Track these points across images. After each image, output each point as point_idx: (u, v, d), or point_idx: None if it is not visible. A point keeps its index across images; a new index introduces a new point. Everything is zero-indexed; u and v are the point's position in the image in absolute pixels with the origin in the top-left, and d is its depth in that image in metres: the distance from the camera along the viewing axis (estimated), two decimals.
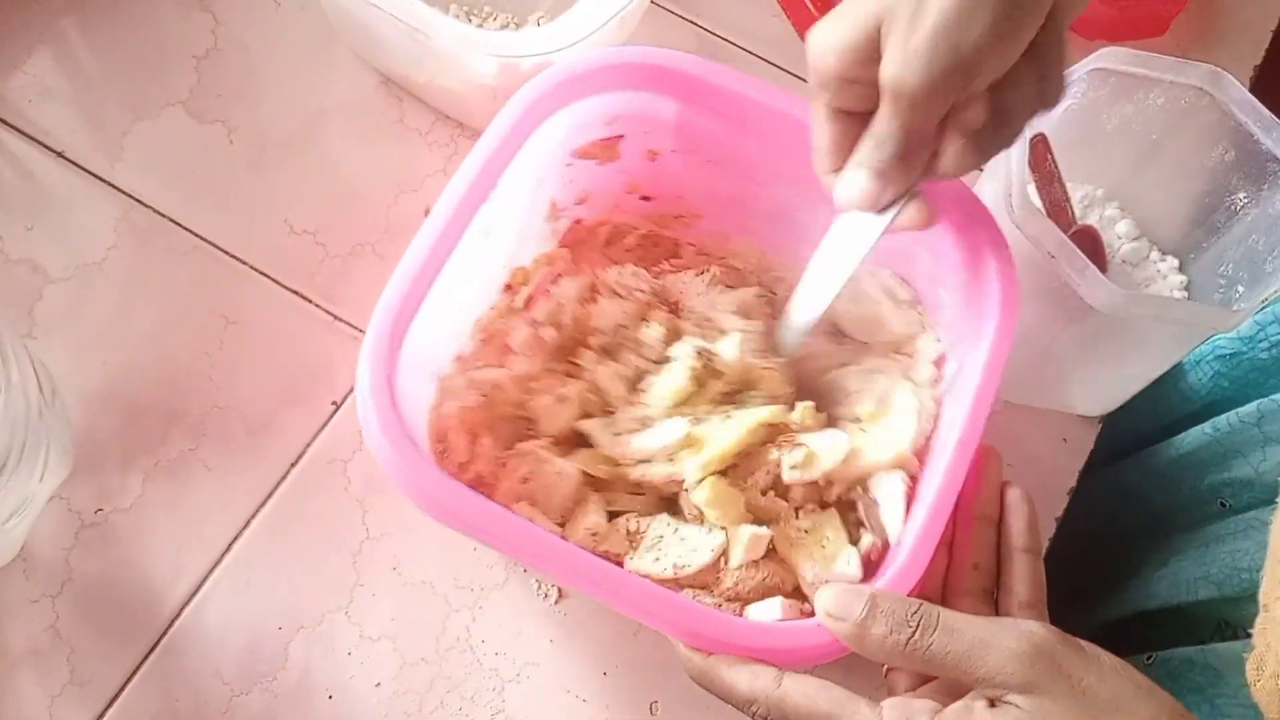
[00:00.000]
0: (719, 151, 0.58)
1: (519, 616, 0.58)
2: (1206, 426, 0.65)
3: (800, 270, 0.54)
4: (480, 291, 0.56)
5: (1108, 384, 0.65)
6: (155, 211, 0.67)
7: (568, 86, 0.53)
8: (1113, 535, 0.70)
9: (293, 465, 0.61)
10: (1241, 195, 0.63)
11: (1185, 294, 0.67)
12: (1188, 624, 0.64)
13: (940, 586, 0.49)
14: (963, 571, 0.49)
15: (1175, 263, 0.68)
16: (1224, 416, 0.64)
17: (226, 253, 0.66)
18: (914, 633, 0.40)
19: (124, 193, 0.67)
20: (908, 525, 0.48)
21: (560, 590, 0.59)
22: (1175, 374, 0.69)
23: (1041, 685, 0.38)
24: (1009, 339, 0.50)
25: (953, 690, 0.41)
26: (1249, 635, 0.58)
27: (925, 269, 0.58)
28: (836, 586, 0.43)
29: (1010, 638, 0.39)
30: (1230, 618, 0.62)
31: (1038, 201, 0.64)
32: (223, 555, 0.58)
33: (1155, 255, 0.69)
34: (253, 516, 0.59)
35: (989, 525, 0.50)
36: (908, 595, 0.43)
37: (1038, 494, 0.64)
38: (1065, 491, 0.65)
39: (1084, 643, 0.41)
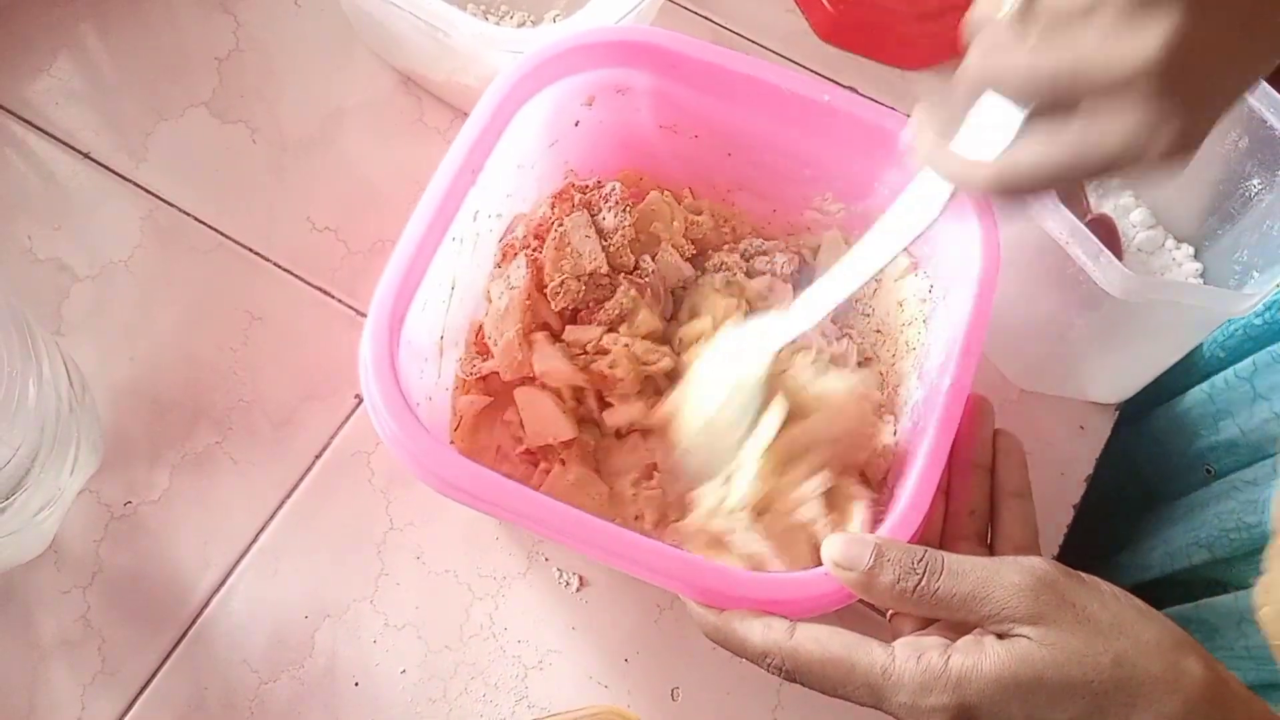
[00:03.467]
0: (704, 125, 0.59)
1: (541, 604, 0.59)
2: (1204, 385, 0.66)
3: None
4: (473, 273, 0.58)
5: (1123, 371, 0.65)
6: (179, 210, 0.68)
7: (546, 68, 0.54)
8: (1108, 508, 0.70)
9: (317, 457, 0.62)
10: (1256, 182, 0.63)
11: (1200, 281, 0.67)
12: (1182, 592, 0.65)
13: (939, 533, 0.50)
14: (960, 518, 0.50)
15: (1190, 250, 0.68)
16: (1220, 375, 0.64)
17: (250, 250, 0.67)
18: (921, 578, 0.41)
19: (149, 192, 0.68)
20: (906, 473, 0.49)
21: (581, 578, 0.60)
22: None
23: (1047, 615, 0.39)
24: (993, 284, 0.51)
25: (959, 629, 0.42)
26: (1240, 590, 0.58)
27: None
28: (842, 537, 0.43)
29: (1014, 573, 0.40)
30: (1221, 578, 0.63)
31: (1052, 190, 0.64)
32: (250, 546, 0.59)
33: (1170, 243, 0.69)
34: (279, 508, 0.60)
35: (983, 472, 0.51)
36: (909, 542, 0.44)
37: (1055, 481, 0.65)
38: (1082, 479, 0.66)
39: (1083, 574, 0.42)
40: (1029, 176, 0.42)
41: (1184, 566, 0.63)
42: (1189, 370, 0.70)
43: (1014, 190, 0.43)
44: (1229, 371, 0.64)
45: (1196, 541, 0.62)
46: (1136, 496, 0.72)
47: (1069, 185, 0.41)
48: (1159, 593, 0.66)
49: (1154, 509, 0.71)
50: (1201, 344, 0.69)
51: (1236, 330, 0.67)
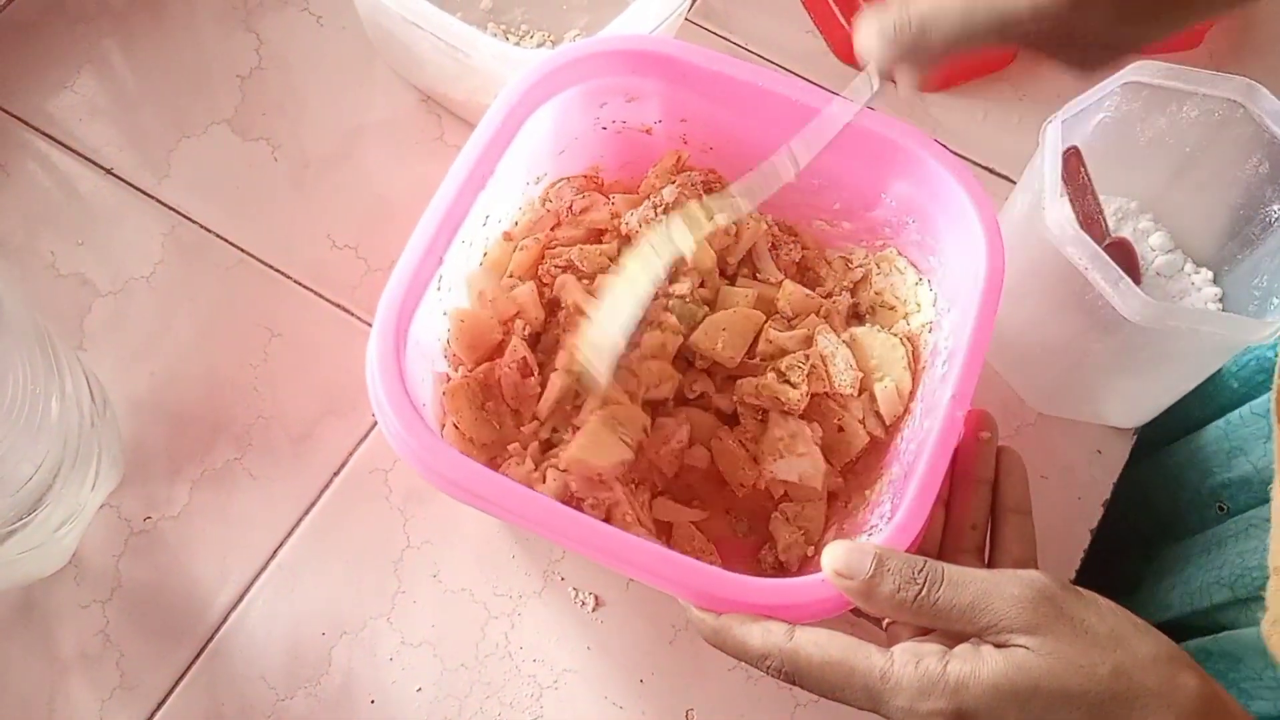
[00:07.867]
0: (712, 134, 0.59)
1: (557, 624, 0.59)
2: (1221, 421, 0.65)
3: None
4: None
5: (1141, 396, 0.65)
6: (201, 227, 0.68)
7: (557, 75, 0.54)
8: (1122, 543, 0.70)
9: (335, 474, 0.62)
10: (1276, 207, 0.63)
11: (1219, 306, 0.67)
12: (1201, 636, 0.64)
13: (938, 543, 0.50)
14: (960, 531, 0.50)
15: (1209, 275, 0.68)
16: (1237, 411, 0.64)
17: (270, 266, 0.67)
18: (921, 588, 0.41)
19: (171, 208, 0.69)
20: (907, 483, 0.49)
21: (597, 598, 0.60)
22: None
23: (1045, 626, 0.40)
24: (996, 297, 0.51)
25: (955, 639, 0.42)
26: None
27: (913, 238, 0.58)
28: (843, 546, 0.43)
29: (1013, 585, 0.41)
30: (1239, 623, 0.62)
31: (1071, 214, 0.64)
32: (268, 562, 0.60)
33: (1189, 268, 0.69)
34: (297, 524, 0.61)
35: (985, 487, 0.51)
36: (908, 550, 0.44)
37: (1072, 506, 0.65)
38: (1100, 503, 0.65)
39: (1081, 589, 0.42)
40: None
41: (1204, 606, 0.63)
42: (1208, 399, 0.70)
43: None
44: (1245, 407, 0.63)
45: (1219, 580, 0.62)
46: (1150, 532, 0.72)
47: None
48: (1179, 634, 0.66)
49: (1168, 546, 0.70)
50: (1222, 369, 0.69)
51: (1249, 361, 0.67)
